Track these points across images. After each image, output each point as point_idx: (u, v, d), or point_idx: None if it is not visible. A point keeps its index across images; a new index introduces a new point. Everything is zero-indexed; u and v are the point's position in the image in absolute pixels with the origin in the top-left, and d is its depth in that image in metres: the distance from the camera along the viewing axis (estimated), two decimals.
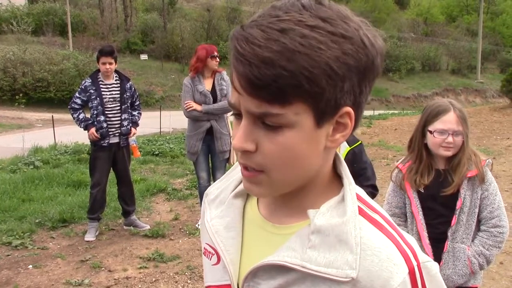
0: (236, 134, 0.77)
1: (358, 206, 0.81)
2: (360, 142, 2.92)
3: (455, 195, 2.35)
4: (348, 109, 0.76)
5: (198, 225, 5.88)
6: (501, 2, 65.70)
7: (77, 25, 36.39)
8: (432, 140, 2.35)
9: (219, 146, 5.57)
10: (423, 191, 2.41)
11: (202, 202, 1.02)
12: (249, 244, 0.90)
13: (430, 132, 2.35)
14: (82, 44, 31.93)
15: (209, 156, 5.76)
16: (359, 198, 0.83)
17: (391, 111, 28.48)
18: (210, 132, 5.55)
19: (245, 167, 0.79)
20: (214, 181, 5.76)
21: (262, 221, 0.89)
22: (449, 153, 2.32)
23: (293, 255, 0.79)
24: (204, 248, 0.97)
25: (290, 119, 0.72)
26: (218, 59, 5.52)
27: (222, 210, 0.94)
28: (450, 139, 2.29)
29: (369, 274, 0.75)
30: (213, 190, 1.00)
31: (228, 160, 5.79)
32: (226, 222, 0.91)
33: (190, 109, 5.45)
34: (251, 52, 0.69)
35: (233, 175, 0.98)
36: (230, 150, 5.68)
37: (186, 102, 5.48)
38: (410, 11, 60.07)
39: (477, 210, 2.35)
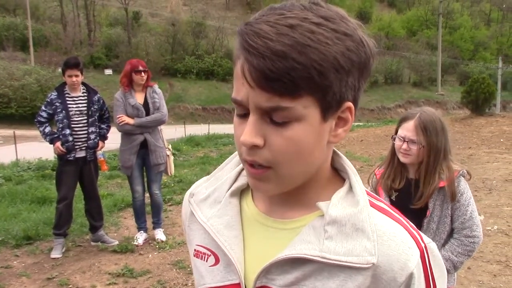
0: (241, 130, 0.77)
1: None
2: None
3: (425, 205, 2.39)
4: (350, 104, 0.79)
5: None
6: (458, 17, 67.97)
7: (39, 40, 35.75)
8: (395, 145, 2.45)
9: (153, 159, 5.57)
10: (394, 199, 2.46)
11: (187, 202, 0.99)
12: (251, 242, 0.89)
13: (394, 137, 2.45)
14: (44, 59, 31.39)
15: (144, 169, 5.76)
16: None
17: (356, 123, 28.88)
18: (144, 145, 5.55)
19: (251, 165, 0.79)
20: (150, 194, 5.76)
21: (263, 217, 0.89)
22: (406, 160, 2.40)
23: (311, 247, 0.80)
24: (196, 250, 0.95)
25: (299, 112, 0.73)
26: (143, 74, 5.49)
27: (220, 209, 0.92)
28: (404, 146, 2.37)
29: (388, 259, 0.79)
30: (200, 189, 0.98)
31: (165, 171, 5.79)
32: (226, 221, 0.90)
33: (122, 123, 5.45)
34: (263, 46, 0.70)
35: (223, 174, 0.97)
36: (166, 162, 5.70)
37: (118, 116, 5.47)
38: (372, 26, 61.29)
39: (448, 220, 2.38)
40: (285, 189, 0.82)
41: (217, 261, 0.90)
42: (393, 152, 2.49)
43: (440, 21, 49.95)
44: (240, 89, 0.76)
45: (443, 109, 45.85)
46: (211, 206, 0.93)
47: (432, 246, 0.84)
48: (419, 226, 2.39)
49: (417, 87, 50.45)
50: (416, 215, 2.39)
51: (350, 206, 0.82)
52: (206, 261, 0.92)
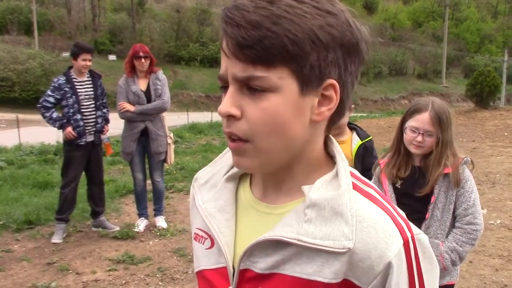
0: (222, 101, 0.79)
1: (352, 182, 0.83)
2: (371, 137, 3.04)
3: (429, 192, 2.38)
4: (333, 81, 0.78)
5: None
6: (465, 9, 67.45)
7: (43, 24, 35.63)
8: (405, 136, 2.42)
9: (154, 147, 5.54)
10: (399, 187, 2.44)
11: (191, 187, 1.02)
12: (243, 226, 0.90)
13: (405, 128, 2.41)
14: (48, 44, 31.32)
15: (145, 156, 5.74)
16: (352, 174, 0.85)
17: (359, 114, 28.80)
18: (145, 133, 5.51)
19: (230, 137, 0.79)
20: (152, 181, 5.74)
21: (256, 202, 0.90)
22: (418, 152, 2.38)
23: (289, 230, 0.80)
24: (195, 233, 0.97)
25: (274, 82, 0.74)
26: (144, 60, 5.40)
27: (215, 192, 0.94)
28: (419, 138, 2.35)
29: (366, 246, 0.77)
30: (202, 174, 1.00)
31: (165, 160, 5.75)
32: (220, 205, 0.92)
33: (123, 110, 5.42)
34: (239, 16, 0.73)
35: (224, 160, 0.99)
36: (166, 151, 5.67)
37: (119, 103, 5.44)
38: (377, 16, 60.86)
39: (452, 207, 2.38)
40: (267, 165, 0.82)
41: (212, 244, 0.92)
42: (398, 142, 2.47)
43: (447, 12, 49.55)
44: (222, 62, 0.78)
45: (447, 102, 45.22)
46: (208, 190, 0.96)
47: (421, 237, 0.81)
48: (424, 213, 2.39)
49: (422, 79, 50.22)
50: (421, 202, 2.40)
51: (333, 189, 0.81)
52: (203, 244, 0.94)
